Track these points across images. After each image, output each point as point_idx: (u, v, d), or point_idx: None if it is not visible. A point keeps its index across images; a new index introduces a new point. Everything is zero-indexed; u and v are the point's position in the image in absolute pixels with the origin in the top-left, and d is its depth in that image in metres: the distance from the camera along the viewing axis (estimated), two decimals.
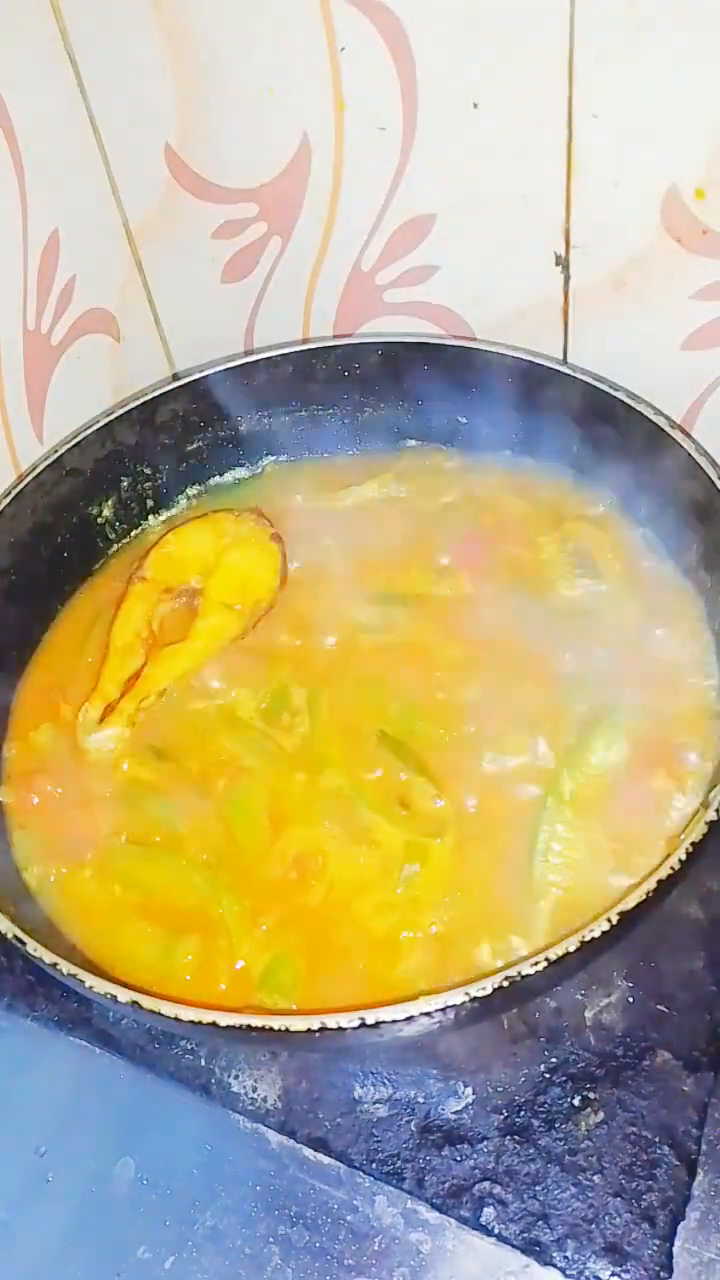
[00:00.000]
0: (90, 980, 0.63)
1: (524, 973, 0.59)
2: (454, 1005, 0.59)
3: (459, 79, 0.86)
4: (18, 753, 0.88)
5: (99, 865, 0.81)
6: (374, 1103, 0.78)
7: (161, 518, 1.03)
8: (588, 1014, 0.79)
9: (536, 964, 0.60)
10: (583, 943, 0.60)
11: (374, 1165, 0.76)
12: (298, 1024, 0.59)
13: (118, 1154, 0.80)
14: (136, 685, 0.87)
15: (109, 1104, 0.83)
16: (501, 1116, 0.76)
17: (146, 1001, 0.61)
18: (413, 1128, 0.77)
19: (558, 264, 0.94)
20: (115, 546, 1.02)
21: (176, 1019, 0.60)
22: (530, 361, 0.95)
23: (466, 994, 0.59)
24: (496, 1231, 0.72)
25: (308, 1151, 0.78)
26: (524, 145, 0.88)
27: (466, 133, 0.89)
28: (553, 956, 0.60)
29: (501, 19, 0.82)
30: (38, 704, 0.91)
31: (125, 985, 0.64)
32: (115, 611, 0.91)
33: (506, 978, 0.59)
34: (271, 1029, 0.59)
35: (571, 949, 0.60)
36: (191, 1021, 0.60)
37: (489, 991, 0.59)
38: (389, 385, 1.02)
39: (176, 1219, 0.77)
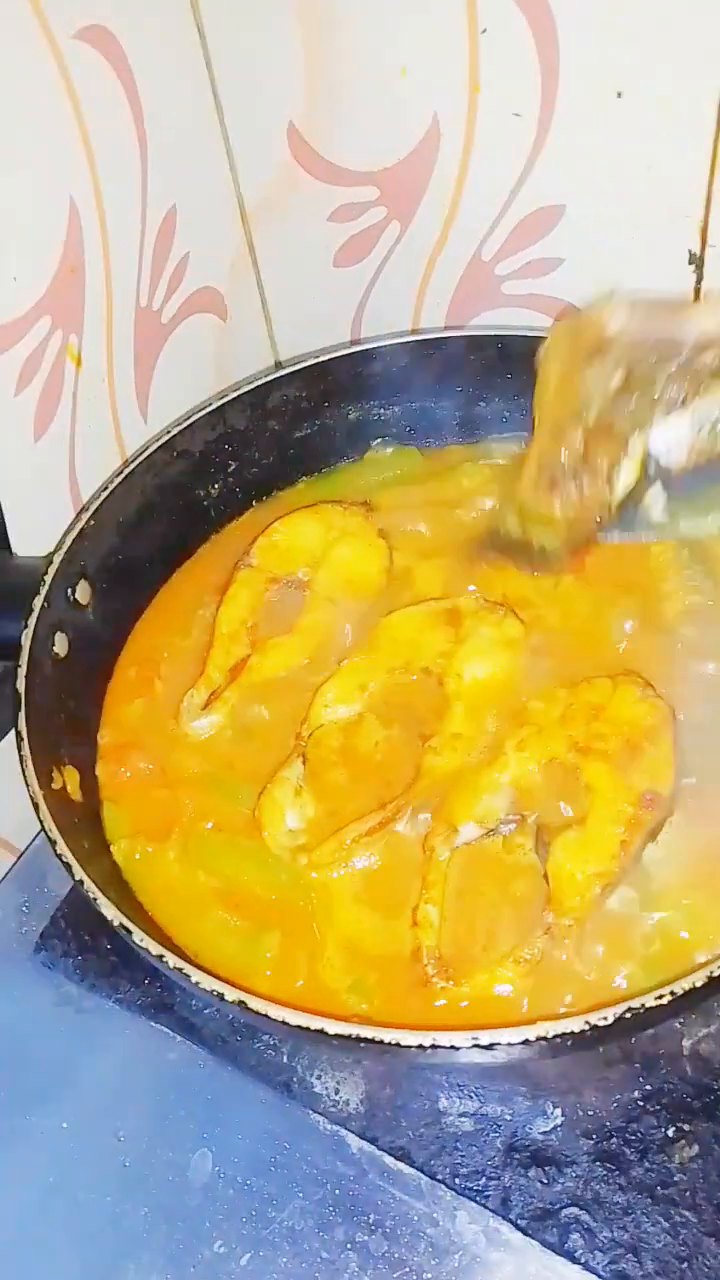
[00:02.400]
0: (197, 976, 0.62)
1: (648, 1004, 0.57)
2: (572, 1033, 0.57)
3: (605, 66, 0.83)
4: (111, 726, 0.88)
5: (183, 848, 0.80)
6: (459, 1115, 0.77)
7: (266, 503, 1.02)
8: (685, 1043, 0.77)
9: (661, 997, 0.57)
10: (710, 978, 0.58)
11: (457, 1180, 0.74)
12: (409, 1039, 0.58)
13: (196, 1145, 0.80)
14: (241, 675, 0.86)
15: (188, 1093, 0.82)
16: (591, 1141, 0.74)
17: (254, 1003, 0.60)
18: (499, 1145, 0.75)
19: (691, 263, 0.91)
20: (219, 530, 1.01)
21: (285, 1023, 0.59)
22: None
23: (587, 1022, 0.57)
24: (583, 1260, 0.70)
25: (389, 1159, 0.76)
26: (667, 138, 0.85)
27: (607, 122, 0.86)
28: (679, 990, 0.57)
29: (656, 4, 0.78)
30: (134, 679, 0.90)
31: (216, 977, 0.63)
32: (220, 597, 0.90)
33: (630, 1009, 0.57)
34: (381, 1042, 0.58)
35: (699, 983, 0.58)
36: (299, 1027, 0.59)
37: (610, 1021, 0.57)
38: (503, 378, 0.99)
39: (252, 1216, 0.77)
